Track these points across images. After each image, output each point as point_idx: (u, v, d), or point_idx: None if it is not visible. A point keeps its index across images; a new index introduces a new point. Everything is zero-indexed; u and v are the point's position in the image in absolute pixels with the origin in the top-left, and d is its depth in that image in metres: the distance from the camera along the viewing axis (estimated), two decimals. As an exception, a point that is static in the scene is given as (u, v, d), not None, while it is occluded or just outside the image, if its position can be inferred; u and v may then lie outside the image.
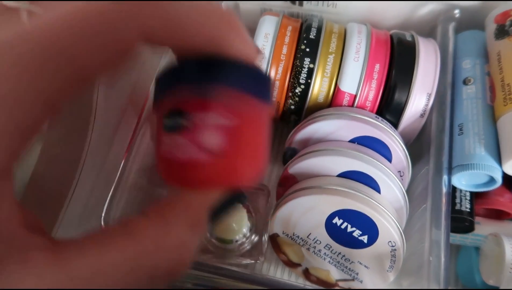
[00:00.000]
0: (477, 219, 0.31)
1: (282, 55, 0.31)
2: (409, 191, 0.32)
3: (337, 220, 0.28)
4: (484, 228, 0.31)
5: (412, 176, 0.32)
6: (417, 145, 0.32)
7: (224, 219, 0.29)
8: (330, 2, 0.36)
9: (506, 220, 0.31)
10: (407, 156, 0.30)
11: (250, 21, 0.36)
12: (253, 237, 0.32)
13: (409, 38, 0.32)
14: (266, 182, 0.36)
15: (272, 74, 0.31)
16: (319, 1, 0.36)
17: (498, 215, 0.31)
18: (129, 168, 0.30)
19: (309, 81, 0.31)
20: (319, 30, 0.32)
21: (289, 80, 0.31)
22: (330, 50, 0.31)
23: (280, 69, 0.31)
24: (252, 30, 0.32)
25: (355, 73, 0.30)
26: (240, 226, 0.31)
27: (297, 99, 0.32)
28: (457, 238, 0.32)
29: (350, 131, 0.30)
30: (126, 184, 0.29)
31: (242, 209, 0.32)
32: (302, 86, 0.31)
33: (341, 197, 0.27)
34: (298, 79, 0.31)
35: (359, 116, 0.29)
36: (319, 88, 0.31)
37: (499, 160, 0.27)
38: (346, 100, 0.31)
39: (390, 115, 0.31)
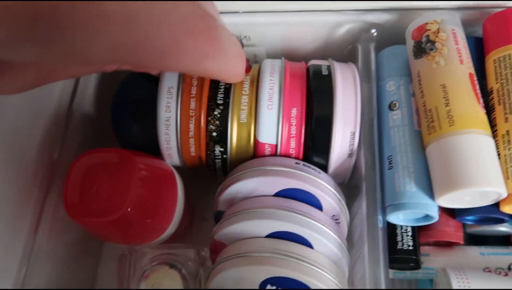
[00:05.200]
0: (427, 250, 0.29)
1: (191, 111, 0.29)
2: (350, 233, 0.30)
3: (270, 287, 0.26)
4: (434, 260, 0.29)
5: (352, 215, 0.30)
6: (354, 182, 0.30)
7: None
8: (243, 35, 0.33)
9: (457, 246, 0.29)
10: (339, 200, 0.28)
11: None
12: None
13: (325, 72, 0.29)
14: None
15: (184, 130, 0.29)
16: (232, 38, 0.33)
17: (448, 242, 0.29)
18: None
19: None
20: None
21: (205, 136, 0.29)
22: (242, 98, 0.29)
23: (192, 126, 0.29)
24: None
25: (271, 123, 0.28)
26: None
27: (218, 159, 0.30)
28: (407, 274, 0.30)
29: (273, 186, 0.28)
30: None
31: (176, 275, 0.30)
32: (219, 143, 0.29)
33: (267, 266, 0.25)
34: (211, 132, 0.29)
35: (279, 169, 0.27)
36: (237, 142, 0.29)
37: (433, 194, 0.25)
38: (267, 151, 0.29)
39: (317, 158, 0.29)
